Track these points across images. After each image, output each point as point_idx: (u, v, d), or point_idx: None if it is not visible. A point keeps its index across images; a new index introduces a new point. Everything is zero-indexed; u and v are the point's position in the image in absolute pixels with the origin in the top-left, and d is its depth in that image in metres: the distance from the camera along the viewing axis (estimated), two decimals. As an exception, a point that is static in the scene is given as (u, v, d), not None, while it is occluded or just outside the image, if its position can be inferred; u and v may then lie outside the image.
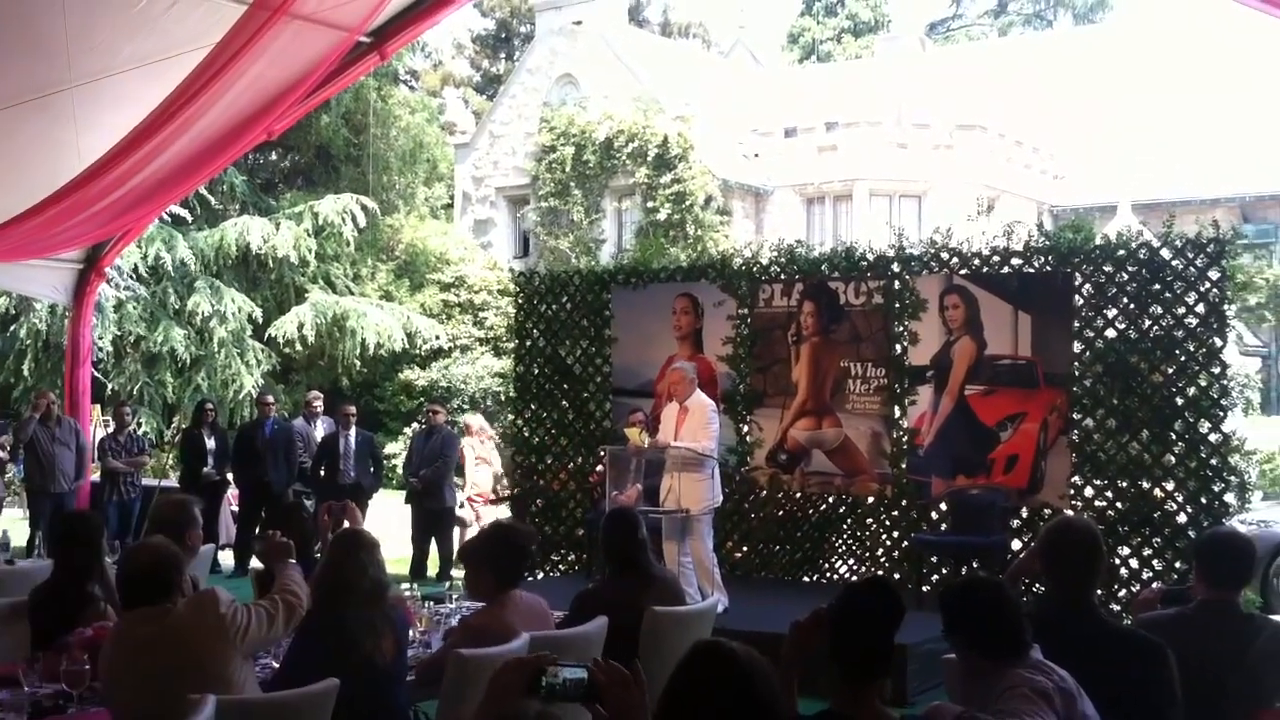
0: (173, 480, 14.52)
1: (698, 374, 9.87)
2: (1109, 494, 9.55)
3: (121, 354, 22.99)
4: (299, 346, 24.47)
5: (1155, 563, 9.29)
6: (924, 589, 9.85)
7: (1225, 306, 9.31)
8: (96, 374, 18.22)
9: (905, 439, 10.39)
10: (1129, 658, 4.04)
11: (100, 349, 20.92)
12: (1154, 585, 8.93)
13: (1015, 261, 10.01)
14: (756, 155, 32.09)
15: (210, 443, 13.60)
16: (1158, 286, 9.38)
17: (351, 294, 26.01)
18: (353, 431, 13.09)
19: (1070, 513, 9.43)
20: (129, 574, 4.39)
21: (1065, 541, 4.37)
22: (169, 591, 4.34)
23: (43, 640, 5.02)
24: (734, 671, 2.71)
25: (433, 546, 12.95)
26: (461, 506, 13.75)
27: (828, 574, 10.91)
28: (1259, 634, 4.57)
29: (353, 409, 13.51)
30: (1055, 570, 4.36)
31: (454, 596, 6.45)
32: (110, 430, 13.87)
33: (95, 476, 13.47)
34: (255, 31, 7.46)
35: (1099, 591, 9.32)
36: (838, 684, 3.39)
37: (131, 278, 22.33)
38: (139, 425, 21.62)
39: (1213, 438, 9.20)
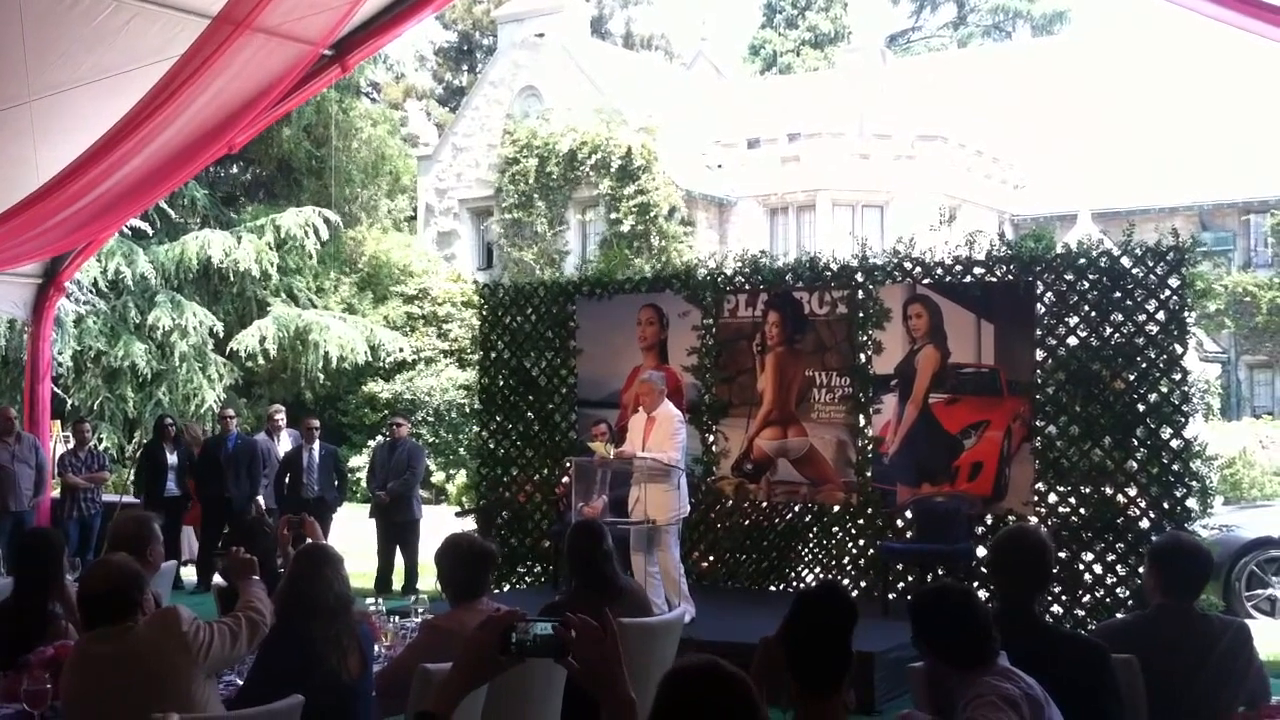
0: (133, 496, 14.37)
1: (665, 384, 9.88)
2: (1072, 500, 9.60)
3: (82, 369, 22.81)
4: (261, 360, 24.34)
5: (1119, 568, 9.35)
6: (890, 596, 9.87)
7: (1185, 314, 9.37)
8: (56, 389, 18.07)
9: (870, 447, 10.42)
10: (1071, 661, 4.07)
11: (60, 364, 20.74)
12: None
13: (978, 270, 10.06)
14: (720, 166, 32.18)
15: (171, 458, 13.49)
16: (1119, 294, 9.45)
17: (314, 307, 25.89)
18: (316, 445, 13.02)
19: (1031, 519, 9.49)
20: (89, 592, 4.34)
21: (1010, 550, 4.41)
22: (130, 610, 4.29)
23: (3, 660, 4.95)
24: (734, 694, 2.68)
25: (398, 559, 12.90)
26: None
27: (794, 583, 10.92)
28: (1220, 637, 4.60)
29: (316, 423, 13.44)
30: (999, 578, 4.40)
31: (419, 610, 6.41)
32: (70, 446, 13.72)
33: (55, 493, 13.33)
34: (219, 45, 7.42)
35: (1064, 597, 9.43)
36: (799, 695, 3.38)
37: (91, 292, 22.17)
38: (99, 441, 21.45)
39: (1174, 443, 9.26)
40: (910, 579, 10.20)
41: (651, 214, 28.97)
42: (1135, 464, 9.42)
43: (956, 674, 3.67)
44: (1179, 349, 9.31)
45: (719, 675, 2.64)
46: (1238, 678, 4.57)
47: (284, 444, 13.80)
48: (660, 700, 2.62)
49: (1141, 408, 9.39)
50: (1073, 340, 9.62)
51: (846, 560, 10.72)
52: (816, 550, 10.91)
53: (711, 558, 11.21)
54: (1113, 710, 4.07)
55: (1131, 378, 9.42)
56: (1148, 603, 4.84)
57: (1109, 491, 9.47)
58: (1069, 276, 9.65)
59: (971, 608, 3.78)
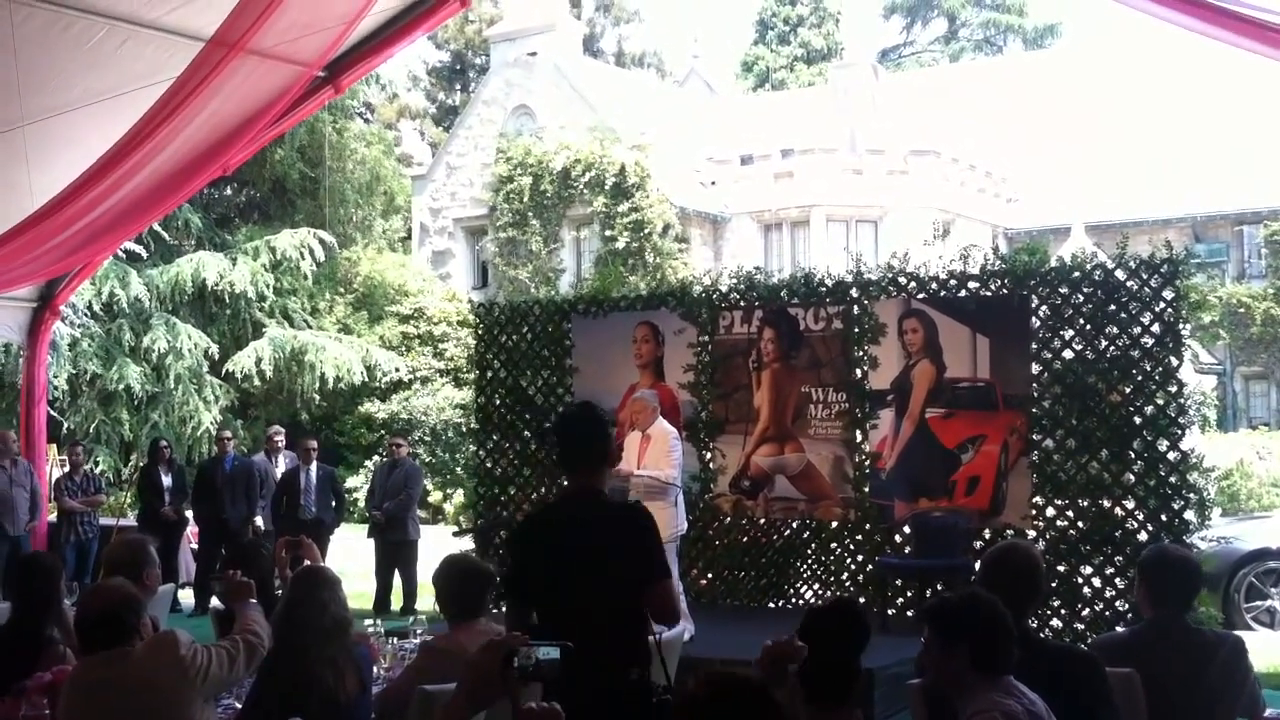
0: (131, 519, 14.37)
1: (660, 402, 9.87)
2: (1070, 514, 9.59)
3: (77, 392, 22.79)
4: (257, 381, 24.34)
5: (1117, 581, 9.34)
6: (889, 612, 9.86)
7: (1180, 326, 9.37)
8: (52, 413, 18.03)
9: (867, 463, 10.41)
10: (1065, 673, 4.08)
11: (55, 387, 20.71)
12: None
13: (972, 285, 10.06)
14: (713, 183, 32.23)
15: (166, 480, 13.48)
16: (1113, 307, 9.45)
17: (310, 328, 25.90)
18: (314, 466, 13.00)
19: (1029, 533, 9.49)
20: (86, 617, 4.34)
21: (1000, 566, 4.43)
22: (127, 634, 4.28)
23: (1, 685, 4.94)
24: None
25: (397, 580, 12.87)
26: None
27: (793, 599, 10.90)
28: (1216, 651, 4.61)
29: (314, 444, 13.41)
30: (992, 593, 4.41)
31: (418, 631, 6.40)
32: (65, 470, 13.70)
33: (52, 517, 13.30)
34: (213, 68, 7.43)
35: (1063, 610, 9.41)
36: (804, 709, 3.37)
37: (86, 315, 22.15)
38: (96, 464, 21.42)
39: (1171, 456, 9.26)
40: (909, 594, 10.19)
41: (646, 231, 29.02)
42: (1132, 477, 9.41)
43: (977, 680, 3.65)
44: (1174, 361, 9.30)
45: (763, 697, 2.65)
46: (1234, 691, 4.58)
47: (281, 465, 13.79)
48: (696, 702, 2.63)
49: (1138, 420, 9.39)
50: (1068, 354, 9.62)
51: (845, 576, 10.71)
52: (815, 566, 10.89)
53: (710, 575, 11.18)
54: (1106, 714, 4.07)
55: (1127, 390, 9.42)
56: (1142, 616, 4.85)
57: (1106, 504, 9.46)
58: (1063, 290, 9.65)
59: (1004, 614, 3.78)
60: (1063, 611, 9.48)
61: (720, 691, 2.63)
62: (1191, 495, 9.26)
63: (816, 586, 10.85)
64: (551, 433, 4.82)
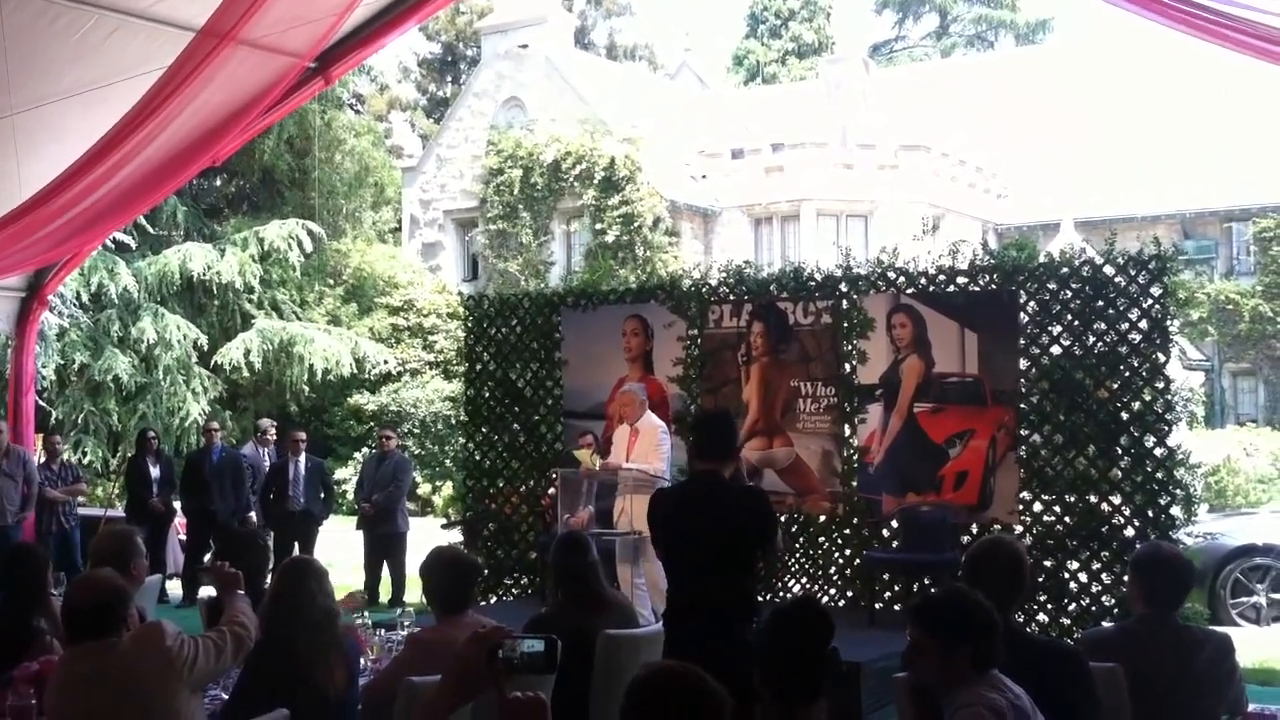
0: (120, 510, 14.35)
1: (649, 395, 9.89)
2: (1057, 509, 9.61)
3: (65, 382, 22.74)
4: (246, 373, 24.30)
5: (1104, 576, 9.37)
6: (876, 606, 9.88)
7: (1168, 322, 9.39)
8: (40, 403, 17.99)
9: (856, 457, 10.43)
10: (1049, 669, 4.10)
11: (43, 377, 20.66)
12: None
13: (961, 280, 10.08)
14: (704, 176, 32.20)
15: (154, 471, 13.45)
16: (1101, 303, 9.47)
17: (298, 319, 25.85)
18: (302, 458, 12.98)
19: (1016, 528, 9.52)
20: (73, 608, 4.33)
21: (985, 560, 4.45)
22: (114, 625, 4.27)
23: (-12, 676, 4.93)
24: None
25: (385, 572, 12.87)
26: None
27: (780, 593, 10.91)
28: (1202, 648, 4.64)
29: (302, 435, 13.40)
30: (974, 589, 4.42)
31: (405, 623, 6.41)
32: (43, 460, 13.65)
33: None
34: (204, 58, 7.41)
35: (1049, 605, 9.44)
36: (771, 709, 3.38)
37: (74, 305, 22.10)
38: (83, 454, 21.39)
39: (1158, 452, 9.28)
40: (896, 589, 10.21)
41: (636, 224, 28.99)
42: (1119, 472, 9.43)
43: (976, 676, 3.66)
44: (1162, 357, 9.33)
45: (701, 685, 2.66)
46: (1220, 689, 4.60)
47: (269, 458, 13.76)
48: (634, 700, 2.65)
49: (1125, 416, 9.41)
50: (1056, 349, 9.64)
51: (832, 570, 10.72)
52: (802, 560, 10.90)
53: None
54: (1091, 717, 4.10)
55: (1115, 386, 9.44)
56: (1131, 612, 4.87)
57: (1093, 500, 9.49)
58: (1052, 285, 9.67)
59: (993, 610, 3.81)
60: (1049, 606, 9.51)
61: (661, 681, 2.66)
62: (1178, 491, 9.28)
63: (804, 580, 10.86)
64: (692, 426, 6.26)
